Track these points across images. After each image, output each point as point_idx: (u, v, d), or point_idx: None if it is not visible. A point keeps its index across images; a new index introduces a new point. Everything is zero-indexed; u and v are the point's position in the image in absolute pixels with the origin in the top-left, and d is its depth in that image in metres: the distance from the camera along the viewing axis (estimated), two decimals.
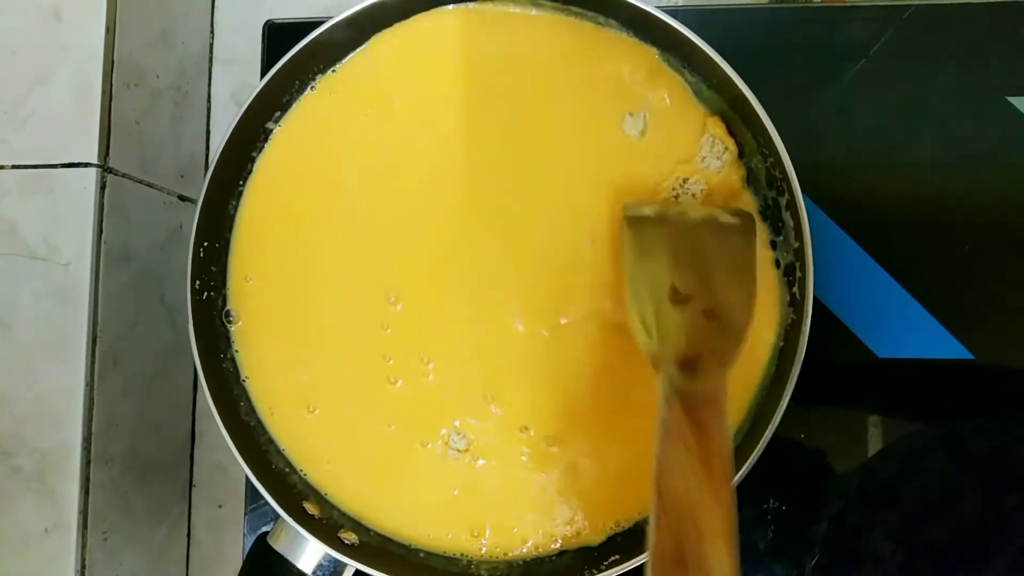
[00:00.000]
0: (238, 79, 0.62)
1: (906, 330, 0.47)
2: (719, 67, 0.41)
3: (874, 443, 0.47)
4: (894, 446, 0.47)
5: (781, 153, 0.40)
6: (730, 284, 0.36)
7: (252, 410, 0.44)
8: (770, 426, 0.38)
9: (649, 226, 0.39)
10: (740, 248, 0.38)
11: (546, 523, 0.43)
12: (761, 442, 0.38)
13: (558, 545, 0.43)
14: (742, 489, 0.38)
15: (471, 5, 0.45)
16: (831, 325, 0.48)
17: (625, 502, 0.43)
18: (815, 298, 0.40)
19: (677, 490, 0.31)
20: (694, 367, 0.34)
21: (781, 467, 0.46)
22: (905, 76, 0.50)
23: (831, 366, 0.47)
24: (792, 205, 0.40)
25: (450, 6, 0.46)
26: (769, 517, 0.47)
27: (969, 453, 0.45)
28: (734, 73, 0.40)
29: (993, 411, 0.47)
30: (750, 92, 0.40)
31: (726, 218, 0.39)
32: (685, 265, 0.37)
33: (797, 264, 0.41)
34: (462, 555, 0.43)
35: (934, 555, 0.44)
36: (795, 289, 0.41)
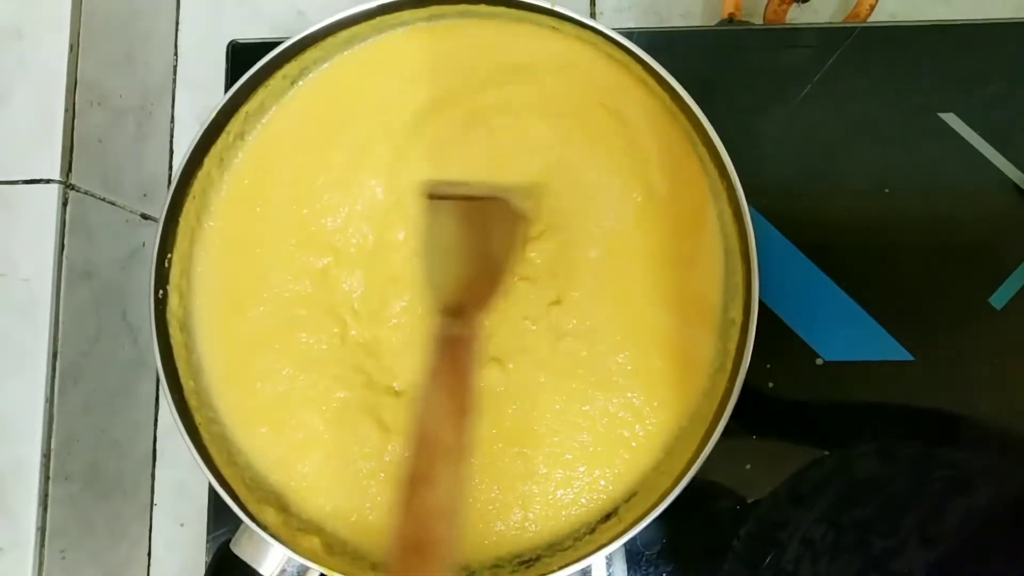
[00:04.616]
0: (202, 99, 0.63)
1: (849, 334, 0.49)
2: (670, 85, 0.43)
3: (818, 441, 0.49)
4: (826, 459, 0.49)
5: (727, 164, 0.42)
6: (500, 245, 0.42)
7: (215, 421, 0.44)
8: (721, 423, 0.40)
9: (445, 207, 0.43)
10: (510, 221, 0.43)
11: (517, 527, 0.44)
12: (712, 439, 0.40)
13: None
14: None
15: (429, 23, 0.47)
16: (778, 329, 0.49)
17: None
18: (762, 303, 0.41)
19: (428, 421, 0.36)
20: (457, 314, 0.39)
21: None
22: (847, 93, 0.53)
23: (777, 368, 0.49)
24: (738, 214, 0.42)
25: (408, 25, 0.47)
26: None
27: (899, 457, 0.48)
28: (683, 90, 0.42)
29: (931, 410, 0.49)
30: (696, 106, 0.42)
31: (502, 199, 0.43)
32: (470, 237, 0.42)
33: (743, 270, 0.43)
34: None
35: (858, 529, 0.47)
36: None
